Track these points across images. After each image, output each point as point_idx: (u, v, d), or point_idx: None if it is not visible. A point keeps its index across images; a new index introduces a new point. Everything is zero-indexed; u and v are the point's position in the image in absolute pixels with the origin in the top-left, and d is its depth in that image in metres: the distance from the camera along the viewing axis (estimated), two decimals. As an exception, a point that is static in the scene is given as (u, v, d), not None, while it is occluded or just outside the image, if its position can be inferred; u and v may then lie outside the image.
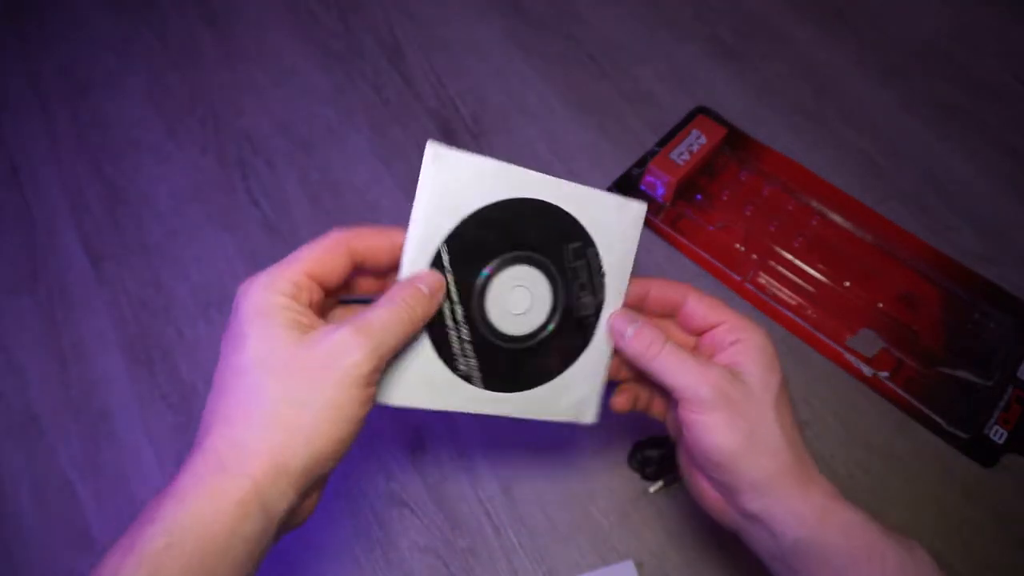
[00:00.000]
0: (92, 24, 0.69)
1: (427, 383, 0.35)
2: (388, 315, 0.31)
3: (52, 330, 0.54)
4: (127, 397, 0.52)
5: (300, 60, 0.67)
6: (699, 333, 0.38)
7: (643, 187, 0.59)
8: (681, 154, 0.58)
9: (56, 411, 0.51)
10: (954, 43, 0.68)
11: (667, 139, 0.61)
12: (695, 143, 0.59)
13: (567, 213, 0.37)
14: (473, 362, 0.36)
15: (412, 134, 0.63)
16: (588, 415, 0.39)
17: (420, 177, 0.34)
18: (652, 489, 0.48)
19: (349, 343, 0.30)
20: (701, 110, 0.63)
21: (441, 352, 0.35)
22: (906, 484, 0.48)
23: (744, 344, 0.35)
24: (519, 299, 0.37)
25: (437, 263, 0.34)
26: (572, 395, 0.39)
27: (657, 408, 0.41)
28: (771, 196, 0.59)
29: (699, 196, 0.59)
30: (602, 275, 0.38)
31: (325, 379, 0.29)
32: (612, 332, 0.37)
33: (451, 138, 0.63)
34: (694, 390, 0.33)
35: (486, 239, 0.35)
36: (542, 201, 0.36)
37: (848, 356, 0.52)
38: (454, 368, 0.36)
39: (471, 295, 0.36)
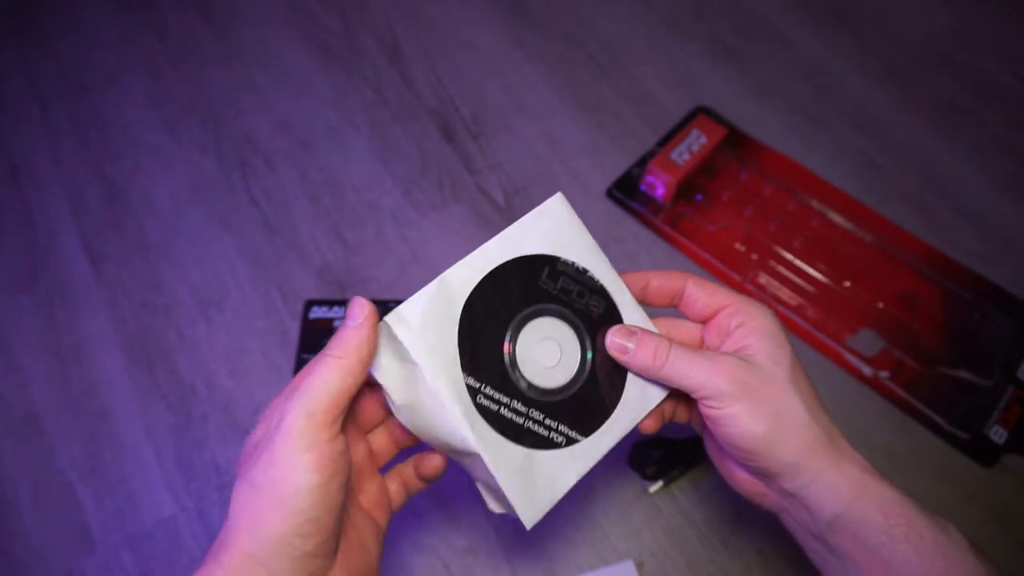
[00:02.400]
0: (92, 24, 0.69)
1: (549, 479, 0.35)
2: (315, 374, 0.31)
3: (52, 330, 0.54)
4: (127, 397, 0.52)
5: (300, 60, 0.67)
6: (703, 320, 0.38)
7: (643, 187, 0.59)
8: (681, 154, 0.58)
9: (56, 411, 0.51)
10: (954, 43, 0.68)
11: (667, 139, 0.61)
12: (695, 143, 0.59)
13: (520, 258, 0.36)
14: (558, 425, 0.36)
15: (412, 134, 0.63)
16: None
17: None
18: (652, 489, 0.48)
19: (283, 415, 0.30)
20: (701, 110, 0.63)
21: (539, 444, 0.35)
22: (906, 484, 0.48)
23: (748, 326, 0.35)
24: (548, 351, 0.36)
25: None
26: (639, 397, 0.38)
27: (682, 414, 0.40)
28: (771, 196, 0.59)
29: (699, 196, 0.59)
30: (590, 276, 0.37)
31: (268, 457, 0.29)
32: (613, 351, 0.36)
33: (451, 138, 0.63)
34: (710, 386, 0.33)
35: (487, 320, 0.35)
36: (504, 263, 0.36)
37: (848, 356, 0.52)
38: (555, 445, 0.35)
39: (507, 375, 0.35)
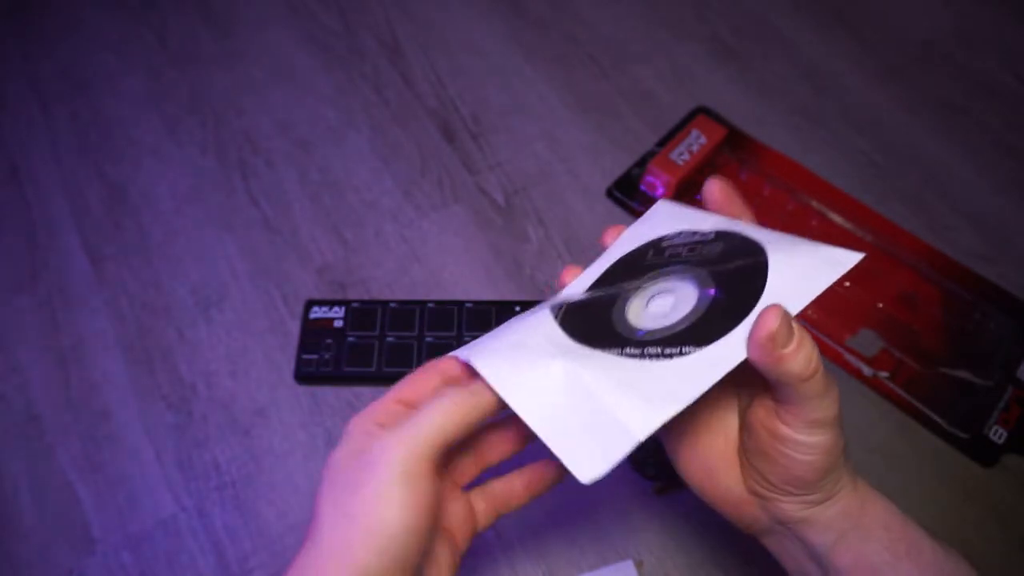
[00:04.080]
0: (92, 24, 0.69)
1: (667, 388, 0.29)
2: (437, 405, 0.29)
3: (52, 330, 0.54)
4: (127, 397, 0.52)
5: (300, 60, 0.67)
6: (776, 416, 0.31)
7: (643, 187, 0.59)
8: (681, 154, 0.58)
9: (56, 411, 0.51)
10: (954, 43, 0.68)
11: (667, 139, 0.61)
12: (695, 143, 0.59)
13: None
14: (676, 347, 0.30)
15: (412, 134, 0.63)
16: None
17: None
18: (652, 489, 0.48)
19: (390, 445, 0.28)
20: (701, 110, 0.63)
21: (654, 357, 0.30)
22: (906, 484, 0.48)
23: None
24: (659, 304, 0.32)
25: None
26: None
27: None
28: (771, 196, 0.59)
29: (699, 196, 0.59)
30: (701, 233, 0.34)
31: (367, 490, 0.28)
32: (761, 346, 0.27)
33: (451, 138, 0.63)
34: (825, 412, 0.29)
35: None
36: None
37: (848, 356, 0.52)
38: (668, 355, 0.30)
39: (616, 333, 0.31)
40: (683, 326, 0.31)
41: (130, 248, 0.58)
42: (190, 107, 0.65)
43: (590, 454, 0.28)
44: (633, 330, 0.32)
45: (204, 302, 0.55)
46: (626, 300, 0.33)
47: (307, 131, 0.63)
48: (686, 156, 0.58)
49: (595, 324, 0.32)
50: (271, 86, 0.66)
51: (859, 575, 0.30)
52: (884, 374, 0.51)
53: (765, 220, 0.58)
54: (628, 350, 0.30)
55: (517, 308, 0.53)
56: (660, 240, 0.35)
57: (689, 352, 0.29)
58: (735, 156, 0.61)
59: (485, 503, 0.36)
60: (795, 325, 0.28)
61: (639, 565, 0.45)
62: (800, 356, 0.27)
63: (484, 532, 0.36)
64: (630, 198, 0.59)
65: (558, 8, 0.71)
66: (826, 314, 0.54)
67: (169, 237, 0.58)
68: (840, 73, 0.66)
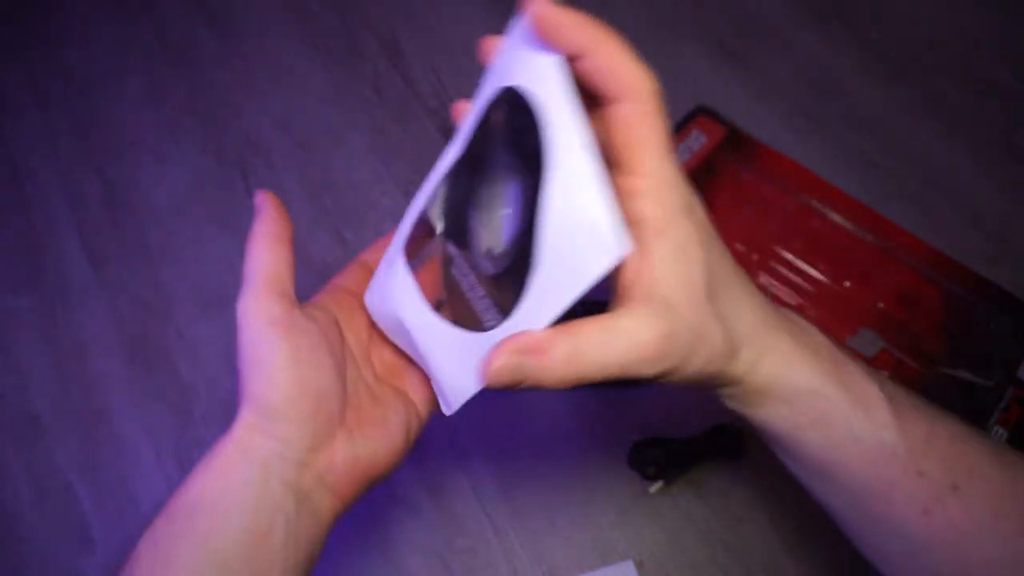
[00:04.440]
0: (92, 24, 0.69)
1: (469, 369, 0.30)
2: (243, 267, 0.33)
3: (52, 330, 0.54)
4: (127, 397, 0.52)
5: (300, 60, 0.67)
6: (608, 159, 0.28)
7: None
8: (681, 154, 0.58)
9: (56, 411, 0.51)
10: (955, 43, 0.68)
11: (667, 139, 0.61)
12: (695, 143, 0.59)
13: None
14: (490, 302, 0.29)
15: (412, 134, 0.63)
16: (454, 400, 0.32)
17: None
18: (652, 489, 0.48)
19: (239, 307, 0.32)
20: (701, 110, 0.63)
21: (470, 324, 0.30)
22: (906, 484, 0.48)
23: (660, 244, 0.27)
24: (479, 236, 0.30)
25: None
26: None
27: None
28: (772, 196, 0.59)
29: (699, 196, 0.59)
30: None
31: (240, 347, 0.32)
32: (501, 382, 0.27)
33: (451, 138, 0.63)
34: (635, 369, 0.27)
35: None
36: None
37: (848, 356, 0.52)
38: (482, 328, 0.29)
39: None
40: (490, 280, 0.29)
41: (130, 248, 0.58)
42: (190, 107, 0.65)
43: (441, 394, 0.33)
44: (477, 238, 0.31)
45: (204, 302, 0.55)
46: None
47: (307, 131, 0.63)
48: (686, 156, 0.58)
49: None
50: (271, 86, 0.66)
51: (767, 434, 0.31)
52: (885, 374, 0.51)
53: (766, 220, 0.58)
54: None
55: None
56: (489, 111, 0.29)
57: (491, 326, 0.29)
58: (735, 156, 0.61)
59: None
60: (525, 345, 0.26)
61: (639, 565, 0.45)
62: (544, 382, 0.27)
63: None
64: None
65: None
66: (826, 314, 0.54)
67: (169, 237, 0.58)
68: (841, 73, 0.66)
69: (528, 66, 0.27)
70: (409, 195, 0.62)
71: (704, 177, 0.60)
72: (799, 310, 0.54)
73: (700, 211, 0.29)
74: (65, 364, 0.53)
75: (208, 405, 0.51)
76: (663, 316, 0.27)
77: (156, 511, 0.48)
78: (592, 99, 0.28)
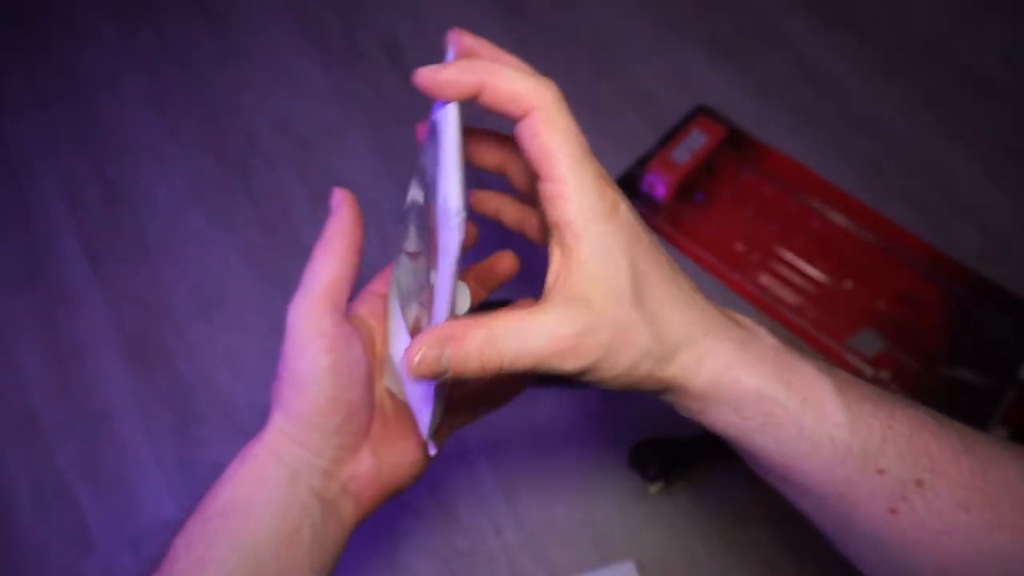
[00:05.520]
0: (92, 24, 0.69)
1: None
2: (306, 270, 0.33)
3: (51, 330, 0.54)
4: (127, 397, 0.51)
5: (300, 60, 0.67)
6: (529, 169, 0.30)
7: (643, 187, 0.59)
8: (681, 154, 0.58)
9: (55, 411, 0.51)
10: (955, 42, 0.68)
11: (667, 139, 0.61)
12: (695, 143, 0.59)
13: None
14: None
15: (412, 134, 0.63)
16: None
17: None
18: (652, 489, 0.48)
19: (290, 312, 0.33)
20: (701, 110, 0.63)
21: None
22: (907, 484, 0.48)
23: (575, 236, 0.28)
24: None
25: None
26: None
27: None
28: (772, 196, 0.59)
29: (699, 196, 0.59)
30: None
31: (284, 353, 0.32)
32: (423, 373, 0.28)
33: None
34: (555, 364, 0.28)
35: None
36: None
37: (849, 357, 0.52)
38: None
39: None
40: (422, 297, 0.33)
41: (130, 248, 0.58)
42: (190, 107, 0.64)
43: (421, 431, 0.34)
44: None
45: (204, 302, 0.55)
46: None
47: (307, 131, 0.63)
48: (686, 156, 0.58)
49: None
50: (271, 86, 0.66)
51: (725, 438, 0.31)
52: (886, 375, 0.51)
53: (766, 220, 0.58)
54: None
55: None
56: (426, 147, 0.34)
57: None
58: (735, 156, 0.61)
59: (460, 394, 0.39)
60: (427, 344, 0.28)
61: (639, 565, 0.45)
62: (463, 372, 0.28)
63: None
64: (630, 198, 0.58)
65: (558, 8, 0.71)
66: (826, 314, 0.54)
67: (169, 237, 0.58)
68: (841, 73, 0.66)
69: (439, 111, 0.31)
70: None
71: (704, 177, 0.60)
72: (799, 310, 0.54)
73: (626, 212, 0.29)
74: (65, 364, 0.53)
75: (208, 405, 0.51)
76: (581, 313, 0.28)
77: (156, 511, 0.48)
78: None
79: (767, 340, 0.30)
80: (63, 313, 0.55)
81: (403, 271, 0.36)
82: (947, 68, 0.66)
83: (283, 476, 0.31)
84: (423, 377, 0.27)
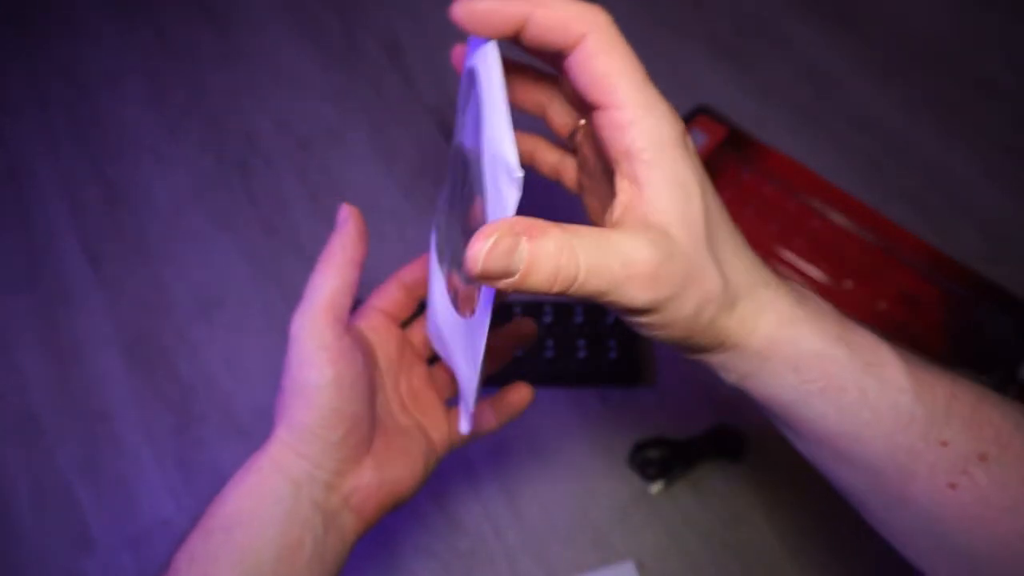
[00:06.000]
0: (92, 24, 0.69)
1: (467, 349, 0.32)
2: (309, 283, 0.34)
3: (51, 330, 0.54)
4: (126, 398, 0.51)
5: (300, 60, 0.67)
6: (586, 106, 0.27)
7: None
8: (681, 154, 0.58)
9: (55, 412, 0.51)
10: (955, 42, 0.68)
11: (667, 139, 0.61)
12: (695, 143, 0.59)
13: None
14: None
15: (412, 134, 0.63)
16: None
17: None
18: (652, 489, 0.48)
19: (293, 325, 0.33)
20: (701, 110, 0.63)
21: None
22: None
23: (653, 169, 0.26)
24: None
25: None
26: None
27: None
28: (772, 196, 0.59)
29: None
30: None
31: (288, 365, 0.33)
32: (484, 272, 0.23)
33: (451, 138, 0.63)
34: (627, 298, 0.25)
35: None
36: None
37: (848, 356, 0.52)
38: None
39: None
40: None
41: (130, 248, 0.58)
42: (190, 107, 0.64)
43: (464, 402, 0.34)
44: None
45: (204, 302, 0.55)
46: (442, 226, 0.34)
47: (307, 131, 0.63)
48: (686, 156, 0.58)
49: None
50: (271, 86, 0.66)
51: (774, 409, 0.28)
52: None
53: (766, 220, 0.58)
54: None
55: (517, 309, 0.52)
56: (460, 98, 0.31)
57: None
58: (736, 156, 0.61)
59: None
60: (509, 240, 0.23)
61: (639, 566, 0.45)
62: (533, 276, 0.23)
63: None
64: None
65: (558, 8, 0.71)
66: (826, 314, 0.54)
67: (169, 237, 0.58)
68: (841, 73, 0.66)
69: (476, 52, 0.28)
70: (409, 195, 0.62)
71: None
72: (799, 310, 0.54)
73: (693, 147, 0.27)
74: (65, 364, 0.53)
75: (208, 405, 0.51)
76: (660, 241, 0.25)
77: (155, 511, 0.48)
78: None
79: (821, 302, 0.28)
80: (63, 313, 0.55)
81: (440, 221, 0.35)
82: (947, 68, 0.66)
83: (286, 489, 0.31)
84: (487, 275, 0.22)
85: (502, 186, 0.25)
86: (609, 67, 0.26)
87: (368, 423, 0.34)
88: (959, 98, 0.65)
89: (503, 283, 0.23)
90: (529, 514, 0.47)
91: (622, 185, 0.26)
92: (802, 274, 0.56)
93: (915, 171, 0.61)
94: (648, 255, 0.24)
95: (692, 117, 0.63)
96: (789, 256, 0.56)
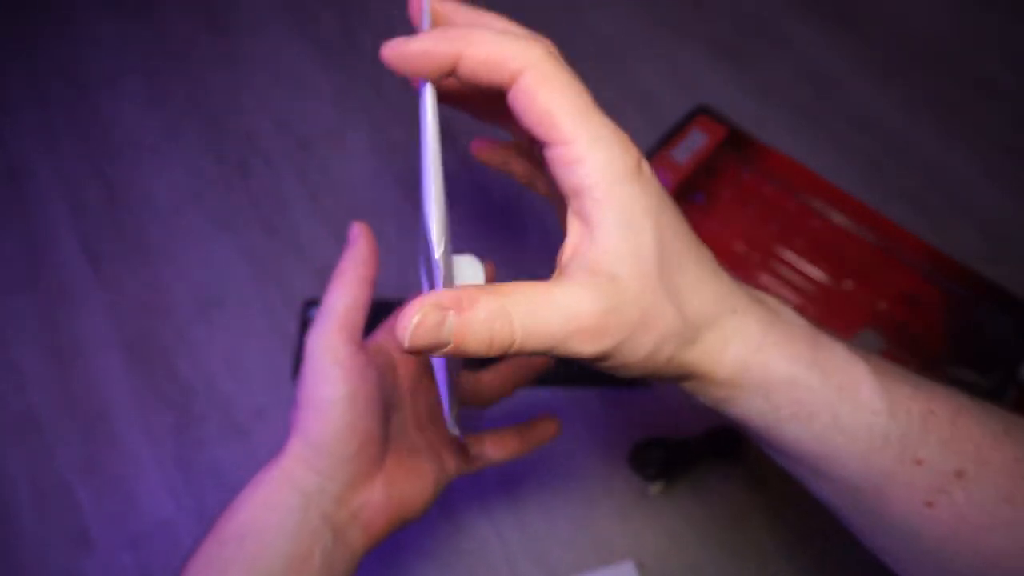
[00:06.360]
0: (92, 24, 0.69)
1: None
2: (323, 302, 0.34)
3: (51, 330, 0.54)
4: (126, 397, 0.51)
5: (300, 60, 0.67)
6: (528, 139, 0.27)
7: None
8: (681, 154, 0.58)
9: (55, 411, 0.51)
10: (955, 42, 0.68)
11: (667, 139, 0.61)
12: (695, 143, 0.59)
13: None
14: None
15: (412, 134, 0.63)
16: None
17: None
18: (652, 490, 0.48)
19: (309, 341, 0.34)
20: (701, 110, 0.63)
21: None
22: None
23: (598, 203, 0.24)
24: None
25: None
26: None
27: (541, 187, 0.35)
28: (772, 196, 0.59)
29: (700, 196, 0.59)
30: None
31: (303, 381, 0.33)
32: (417, 345, 0.23)
33: (451, 138, 0.63)
34: (575, 349, 0.24)
35: None
36: None
37: (848, 356, 0.52)
38: None
39: None
40: None
41: (129, 248, 0.58)
42: (189, 107, 0.64)
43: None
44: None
45: (204, 302, 0.55)
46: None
47: (307, 131, 0.63)
48: (687, 156, 0.58)
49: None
50: (271, 86, 0.66)
51: (750, 431, 0.28)
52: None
53: (766, 220, 0.58)
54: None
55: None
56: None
57: None
58: (735, 156, 0.61)
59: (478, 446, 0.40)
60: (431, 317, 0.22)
61: (639, 566, 0.45)
62: (466, 345, 0.23)
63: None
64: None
65: (557, 8, 0.71)
66: (826, 314, 0.54)
67: (168, 237, 0.58)
68: (841, 72, 0.66)
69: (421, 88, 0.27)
70: (410, 195, 0.62)
71: (704, 177, 0.60)
72: (799, 310, 0.54)
73: (649, 171, 0.25)
74: (65, 364, 0.53)
75: (208, 405, 0.51)
76: (606, 288, 0.24)
77: (155, 511, 0.48)
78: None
79: (795, 319, 0.28)
80: (63, 313, 0.55)
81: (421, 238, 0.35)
82: (947, 68, 0.66)
83: (296, 501, 0.32)
84: (418, 348, 0.22)
85: (432, 256, 0.24)
86: (550, 103, 0.24)
87: (381, 440, 0.34)
88: (959, 98, 0.65)
89: (437, 353, 0.23)
90: (529, 514, 0.47)
91: (572, 225, 0.26)
92: (802, 274, 0.56)
93: (915, 171, 0.61)
94: (590, 308, 0.24)
95: (692, 117, 0.63)
96: (789, 256, 0.56)
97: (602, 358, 0.25)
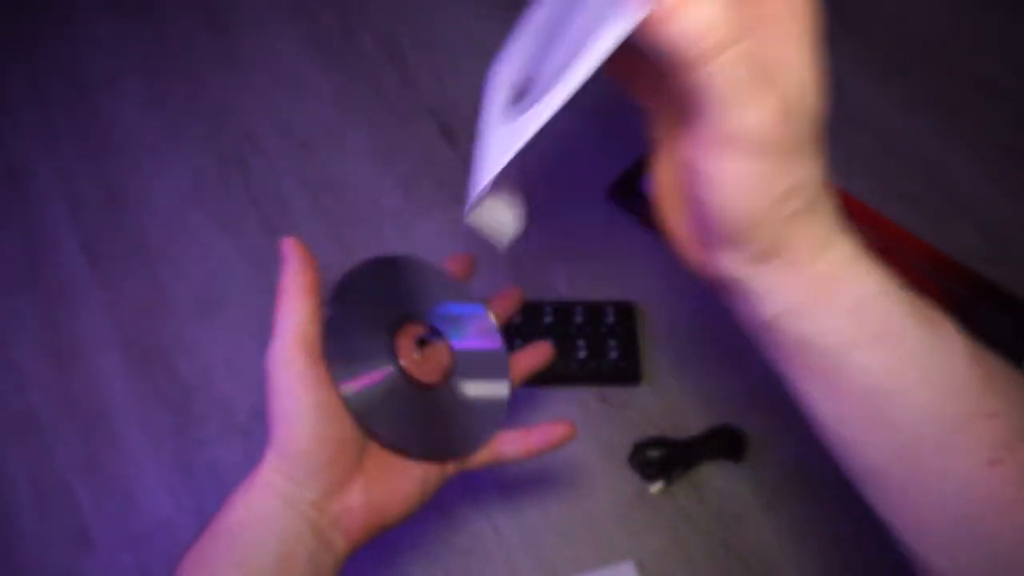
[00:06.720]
0: (92, 24, 0.69)
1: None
2: (274, 320, 0.35)
3: (51, 330, 0.54)
4: (126, 397, 0.51)
5: (300, 60, 0.67)
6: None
7: (643, 187, 0.59)
8: (681, 154, 0.58)
9: (55, 411, 0.51)
10: (955, 42, 0.68)
11: (667, 139, 0.61)
12: (695, 143, 0.59)
13: None
14: None
15: (412, 134, 0.63)
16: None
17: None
18: (652, 489, 0.47)
19: (268, 357, 0.34)
20: (701, 110, 0.63)
21: None
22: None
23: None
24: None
25: None
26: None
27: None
28: (771, 196, 0.59)
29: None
30: None
31: (269, 397, 0.33)
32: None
33: (451, 138, 0.63)
34: (738, 125, 0.22)
35: None
36: None
37: (848, 356, 0.52)
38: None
39: None
40: None
41: (129, 248, 0.58)
42: (189, 107, 0.64)
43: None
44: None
45: (204, 302, 0.55)
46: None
47: (307, 131, 0.63)
48: (686, 156, 0.58)
49: None
50: (271, 86, 0.66)
51: (809, 356, 0.25)
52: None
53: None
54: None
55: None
56: None
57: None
58: (735, 156, 0.61)
59: None
60: None
61: (639, 565, 0.45)
62: (688, 17, 0.20)
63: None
64: (630, 198, 0.59)
65: (558, 8, 0.71)
66: (826, 314, 0.54)
67: (168, 237, 0.58)
68: (841, 73, 0.66)
69: None
70: (409, 195, 0.62)
71: (704, 177, 0.60)
72: (799, 310, 0.54)
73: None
74: (65, 364, 0.53)
75: (207, 405, 0.51)
76: (796, 107, 0.23)
77: (155, 511, 0.48)
78: None
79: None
80: (63, 313, 0.55)
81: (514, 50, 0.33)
82: (947, 68, 0.66)
83: (278, 505, 0.32)
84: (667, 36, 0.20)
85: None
86: (722, 129, 0.23)
87: (356, 445, 0.34)
88: (959, 98, 0.64)
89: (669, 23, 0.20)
90: (529, 514, 0.47)
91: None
92: (802, 274, 0.56)
93: (915, 171, 0.61)
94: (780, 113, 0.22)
95: (692, 117, 0.62)
96: (789, 256, 0.56)
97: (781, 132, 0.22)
